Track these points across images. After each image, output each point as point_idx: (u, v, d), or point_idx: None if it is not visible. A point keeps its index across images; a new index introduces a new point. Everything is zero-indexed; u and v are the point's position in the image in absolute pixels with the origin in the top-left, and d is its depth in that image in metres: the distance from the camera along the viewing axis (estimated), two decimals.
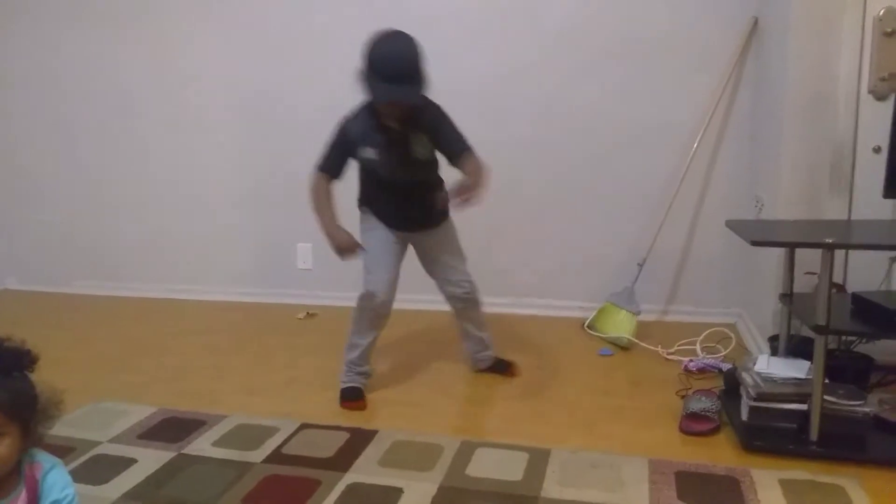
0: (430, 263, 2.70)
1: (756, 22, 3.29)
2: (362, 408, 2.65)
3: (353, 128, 2.47)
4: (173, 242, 4.28)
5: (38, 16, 4.22)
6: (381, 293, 2.57)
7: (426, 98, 2.44)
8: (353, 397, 2.67)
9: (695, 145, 3.39)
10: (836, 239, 2.10)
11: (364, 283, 2.61)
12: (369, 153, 2.46)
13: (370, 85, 2.32)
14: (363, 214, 2.65)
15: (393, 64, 2.28)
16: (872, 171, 2.67)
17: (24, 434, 1.36)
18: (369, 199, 2.63)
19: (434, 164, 2.57)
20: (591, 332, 3.44)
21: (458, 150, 2.46)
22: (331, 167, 2.53)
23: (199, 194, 4.19)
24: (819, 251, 2.12)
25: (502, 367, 2.92)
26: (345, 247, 2.45)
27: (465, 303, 2.73)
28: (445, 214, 2.65)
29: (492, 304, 3.75)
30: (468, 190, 2.24)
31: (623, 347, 3.22)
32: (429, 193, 2.51)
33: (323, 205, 2.50)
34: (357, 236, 2.55)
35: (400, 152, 2.46)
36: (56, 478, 1.42)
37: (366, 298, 2.60)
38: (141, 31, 4.07)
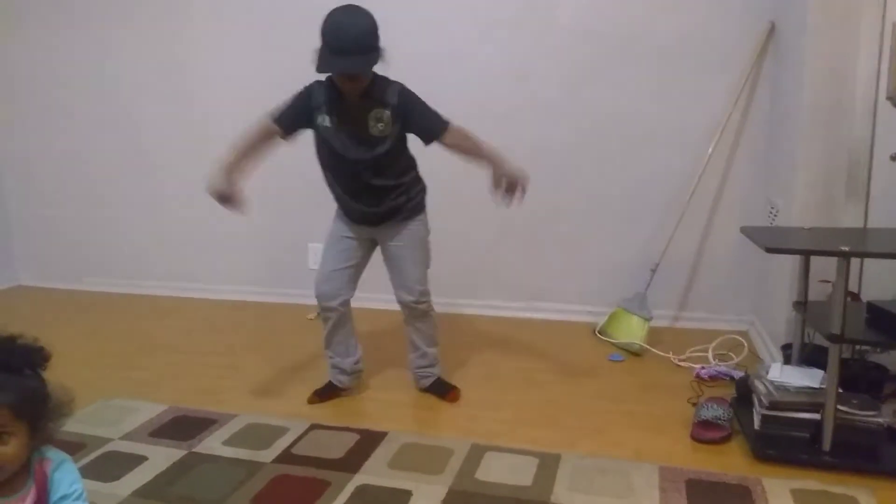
0: (386, 261, 2.65)
1: (773, 26, 3.27)
2: (312, 402, 2.71)
3: (315, 92, 2.43)
4: (185, 241, 4.30)
5: (47, 17, 4.25)
6: (318, 285, 2.61)
7: (384, 79, 2.42)
8: (317, 391, 2.75)
9: (709, 150, 3.37)
10: (851, 247, 2.08)
11: None
12: (325, 121, 2.43)
13: (320, 59, 2.30)
14: (336, 209, 2.65)
15: (338, 36, 2.26)
16: (889, 178, 2.66)
17: (32, 433, 1.35)
18: (332, 190, 2.58)
19: (397, 150, 2.49)
20: (602, 337, 3.42)
21: (438, 126, 2.44)
22: (281, 117, 2.46)
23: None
24: (834, 259, 2.10)
25: (442, 390, 2.75)
26: (214, 191, 2.43)
27: (412, 311, 2.64)
28: (412, 213, 2.58)
29: (503, 307, 3.77)
30: (506, 181, 2.34)
31: (634, 353, 3.21)
32: (388, 184, 2.49)
33: (239, 144, 2.47)
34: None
35: (355, 126, 2.41)
36: (64, 473, 1.42)
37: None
38: (151, 30, 4.09)
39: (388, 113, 2.40)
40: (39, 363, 1.39)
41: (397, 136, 2.45)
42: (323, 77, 2.42)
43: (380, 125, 2.41)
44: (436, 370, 2.78)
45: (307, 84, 2.46)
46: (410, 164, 2.59)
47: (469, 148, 2.45)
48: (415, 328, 2.71)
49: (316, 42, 2.30)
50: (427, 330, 2.72)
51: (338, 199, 2.59)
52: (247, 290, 4.21)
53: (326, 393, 2.75)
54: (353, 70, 2.31)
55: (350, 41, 2.26)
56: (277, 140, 2.49)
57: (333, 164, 2.51)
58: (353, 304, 2.66)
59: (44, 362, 1.40)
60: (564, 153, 3.62)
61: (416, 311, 2.64)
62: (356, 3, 2.34)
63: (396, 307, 2.68)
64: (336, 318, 2.63)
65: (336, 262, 2.60)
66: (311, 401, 2.72)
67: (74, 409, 1.46)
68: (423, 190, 2.63)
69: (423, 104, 2.45)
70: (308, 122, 2.47)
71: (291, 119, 2.47)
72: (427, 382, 2.78)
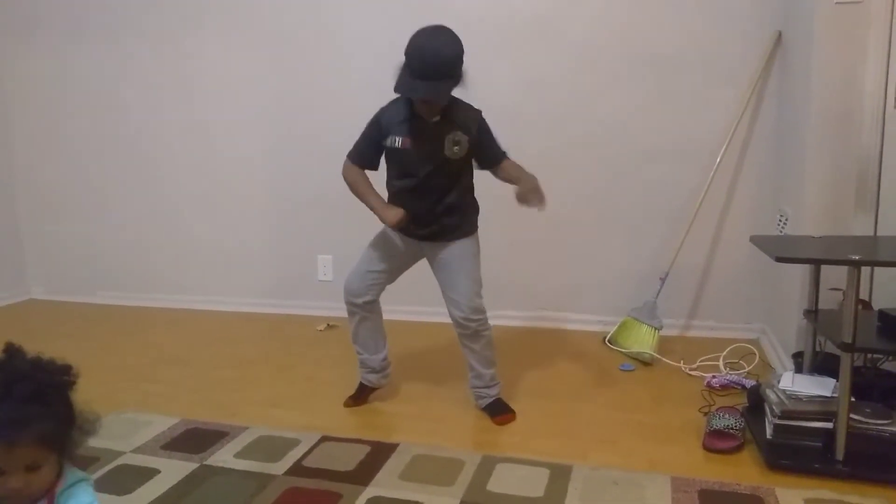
0: (439, 278, 2.61)
1: (780, 36, 3.28)
2: (348, 405, 2.77)
3: (386, 116, 2.46)
4: (196, 253, 4.33)
5: (53, 30, 4.30)
6: (350, 279, 2.64)
7: (464, 103, 2.47)
8: (352, 396, 2.80)
9: (718, 159, 3.37)
10: (862, 256, 2.08)
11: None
12: (398, 143, 2.44)
13: (399, 79, 2.33)
14: None
15: (421, 59, 2.27)
16: None
17: (60, 457, 1.34)
18: (392, 201, 2.56)
19: (463, 171, 2.54)
20: (613, 346, 3.42)
21: (499, 156, 2.53)
22: (360, 156, 2.52)
23: (221, 206, 4.23)
24: (844, 267, 2.09)
25: (493, 411, 2.65)
26: (397, 222, 2.43)
27: (464, 329, 2.55)
28: (464, 234, 2.58)
29: (513, 317, 3.77)
30: (530, 193, 2.36)
31: (645, 363, 3.20)
32: (449, 204, 2.51)
33: (364, 188, 2.51)
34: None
35: (432, 147, 2.44)
36: (74, 495, 1.37)
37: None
38: (162, 47, 4.14)
39: (466, 139, 2.45)
40: (67, 386, 1.36)
41: (467, 160, 2.52)
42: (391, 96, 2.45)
43: (456, 148, 2.45)
44: (492, 392, 2.67)
45: (379, 109, 2.49)
46: (470, 187, 2.62)
47: (516, 176, 2.48)
48: (468, 348, 2.62)
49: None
50: (481, 350, 2.61)
51: None
52: (257, 302, 4.23)
53: (361, 396, 2.79)
54: (429, 97, 2.34)
55: (431, 66, 2.27)
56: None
57: (402, 181, 2.52)
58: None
59: (71, 385, 1.37)
60: (574, 164, 3.63)
61: (467, 329, 2.55)
62: (444, 26, 2.34)
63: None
64: (361, 314, 2.66)
65: (374, 263, 2.62)
66: (346, 404, 2.77)
67: (99, 428, 1.43)
68: (476, 212, 2.65)
69: (492, 134, 2.54)
70: (383, 146, 2.49)
71: (366, 152, 2.52)
72: (483, 403, 2.68)
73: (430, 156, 2.45)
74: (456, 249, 2.57)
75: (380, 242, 2.64)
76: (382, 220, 2.48)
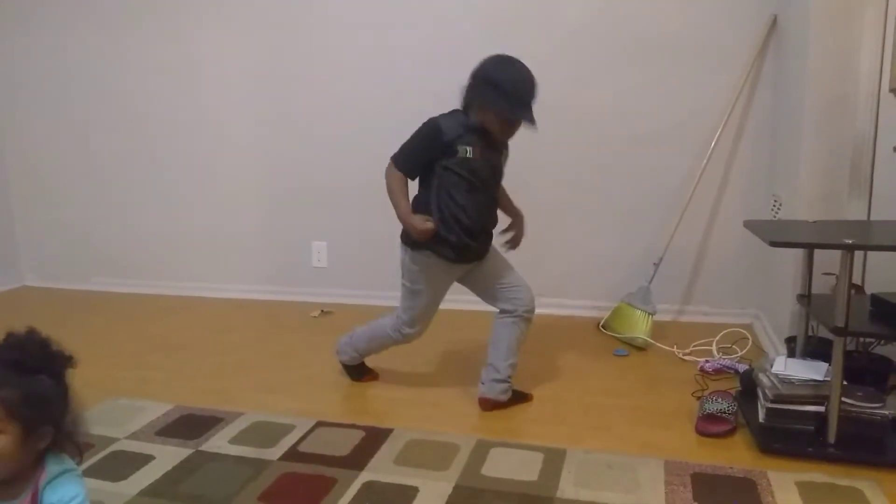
0: (492, 284, 2.62)
1: (775, 20, 3.27)
2: (377, 377, 2.88)
3: (448, 125, 2.42)
4: (190, 240, 4.32)
5: (49, 14, 4.26)
6: (422, 329, 2.68)
7: None
8: (363, 374, 2.89)
9: (712, 144, 3.37)
10: (855, 240, 2.08)
11: (404, 322, 2.64)
12: (469, 152, 2.41)
13: (500, 103, 2.36)
14: (417, 255, 2.53)
15: (525, 87, 2.38)
16: (892, 171, 2.65)
17: (27, 436, 1.31)
18: (451, 228, 2.47)
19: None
20: (606, 332, 3.43)
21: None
22: (408, 164, 2.46)
23: (215, 192, 4.21)
24: (837, 252, 2.10)
25: (523, 397, 2.68)
26: (424, 232, 2.42)
27: (529, 310, 2.61)
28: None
29: None
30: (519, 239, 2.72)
31: (638, 348, 3.21)
32: (496, 216, 2.63)
33: (400, 194, 2.46)
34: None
35: (494, 159, 2.51)
36: (57, 488, 1.35)
37: (399, 335, 2.68)
38: (161, 30, 4.10)
39: (507, 154, 2.59)
40: (57, 368, 1.36)
41: None
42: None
43: (505, 161, 2.60)
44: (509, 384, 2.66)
45: (430, 120, 2.44)
46: None
47: (513, 212, 2.73)
48: (522, 333, 2.63)
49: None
50: (525, 333, 2.65)
51: (464, 231, 2.48)
52: (252, 288, 4.23)
53: (369, 370, 2.90)
54: (534, 122, 2.39)
55: (532, 92, 2.39)
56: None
57: (472, 194, 2.47)
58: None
59: (63, 368, 1.37)
60: (567, 149, 3.62)
61: (531, 314, 2.63)
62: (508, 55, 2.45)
63: None
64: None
65: (434, 303, 2.63)
66: (372, 379, 2.88)
67: (85, 423, 1.44)
68: None
69: None
70: (438, 156, 2.45)
71: (418, 162, 2.47)
72: (510, 395, 2.63)
73: (493, 169, 2.52)
74: (496, 255, 2.68)
75: (429, 282, 2.57)
76: (412, 229, 2.43)
